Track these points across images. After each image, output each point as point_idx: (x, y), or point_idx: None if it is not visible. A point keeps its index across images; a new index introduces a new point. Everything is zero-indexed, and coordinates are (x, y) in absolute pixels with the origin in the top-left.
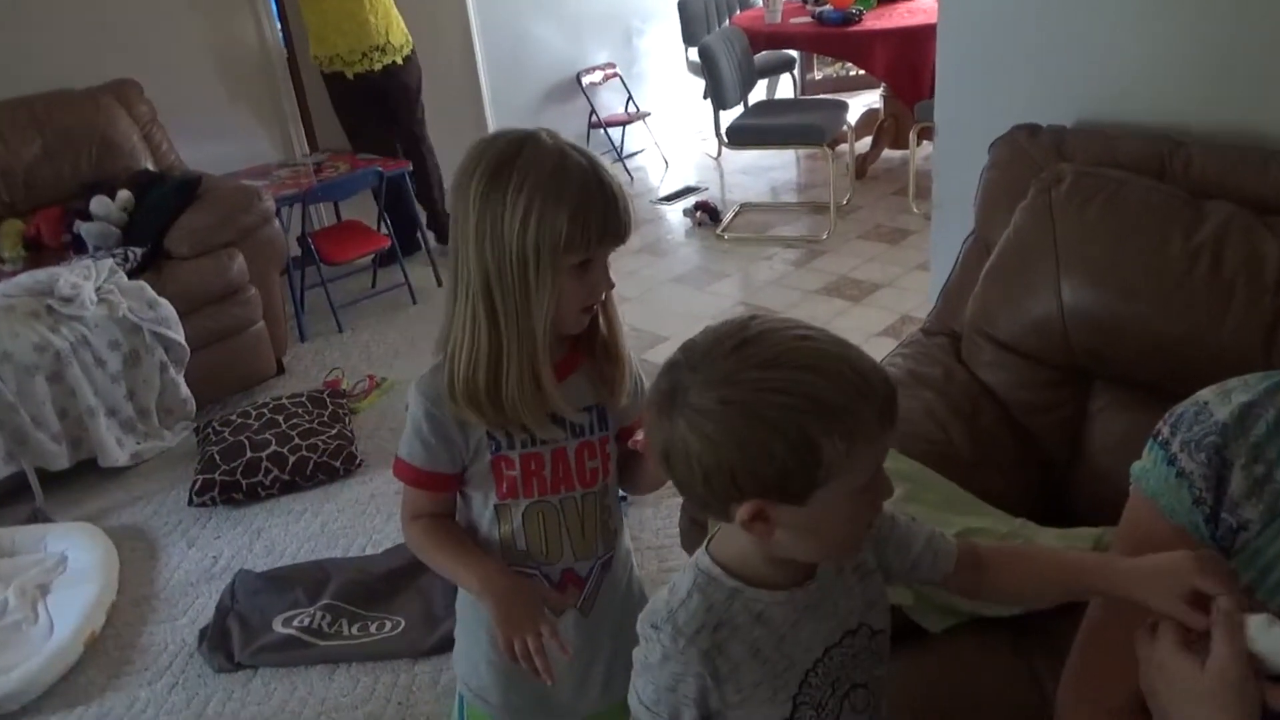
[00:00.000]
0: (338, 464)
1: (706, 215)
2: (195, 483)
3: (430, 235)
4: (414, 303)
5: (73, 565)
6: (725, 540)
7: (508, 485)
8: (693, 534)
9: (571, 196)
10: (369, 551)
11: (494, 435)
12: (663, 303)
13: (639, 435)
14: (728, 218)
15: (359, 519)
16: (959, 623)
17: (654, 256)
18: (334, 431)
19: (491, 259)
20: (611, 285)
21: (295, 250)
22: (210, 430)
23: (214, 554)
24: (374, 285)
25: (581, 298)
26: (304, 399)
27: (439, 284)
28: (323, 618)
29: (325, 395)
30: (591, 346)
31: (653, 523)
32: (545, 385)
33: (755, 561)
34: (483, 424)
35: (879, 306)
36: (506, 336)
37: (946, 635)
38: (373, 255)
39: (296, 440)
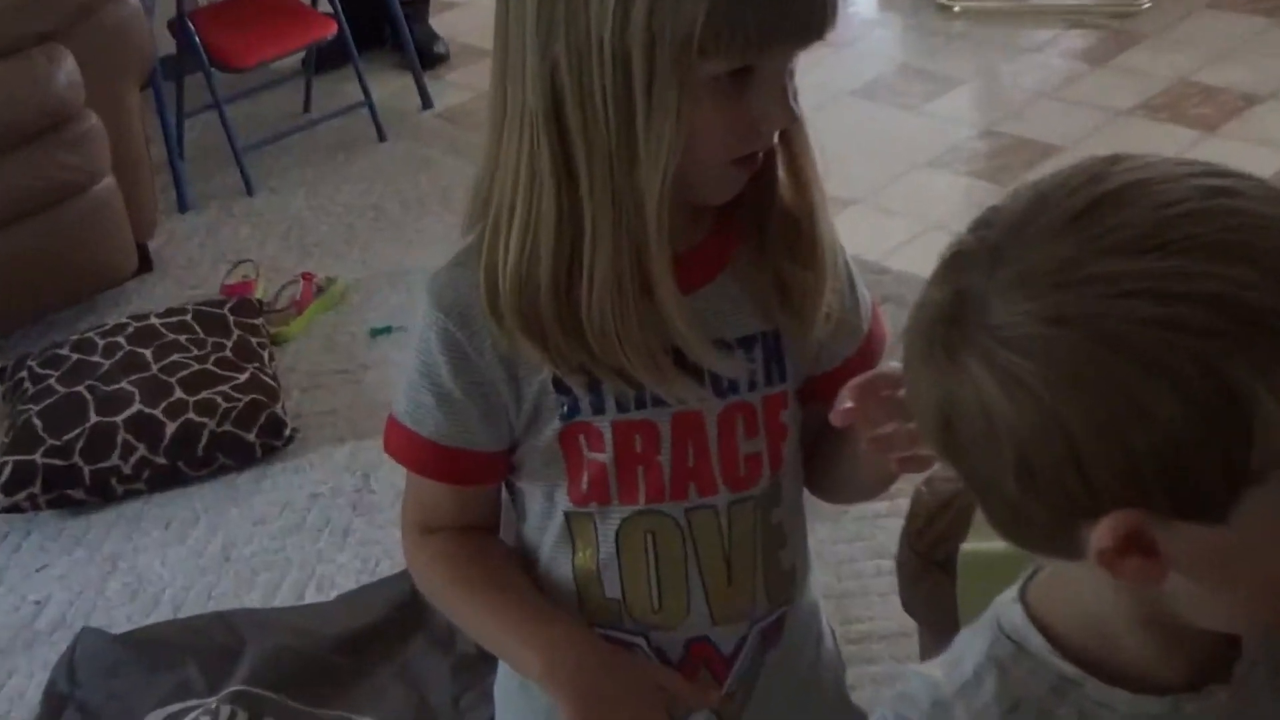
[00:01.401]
0: (250, 437)
1: None
2: None
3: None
4: (381, 139)
5: None
6: (1056, 587)
7: (591, 479)
8: (919, 578)
9: None
10: (314, 597)
11: (566, 384)
12: (844, 132)
13: (845, 401)
14: None
15: (293, 538)
16: None
17: (826, 47)
18: (243, 378)
19: (566, 62)
20: (793, 118)
21: (168, 47)
22: (23, 376)
23: (35, 597)
24: (308, 107)
25: (734, 138)
26: (188, 318)
27: (425, 106)
28: (231, 718)
29: (226, 311)
30: (757, 229)
31: (828, 548)
32: (662, 297)
33: (1115, 629)
34: (546, 362)
35: (1257, 139)
36: (590, 203)
37: None
38: (306, 53)
39: (179, 394)
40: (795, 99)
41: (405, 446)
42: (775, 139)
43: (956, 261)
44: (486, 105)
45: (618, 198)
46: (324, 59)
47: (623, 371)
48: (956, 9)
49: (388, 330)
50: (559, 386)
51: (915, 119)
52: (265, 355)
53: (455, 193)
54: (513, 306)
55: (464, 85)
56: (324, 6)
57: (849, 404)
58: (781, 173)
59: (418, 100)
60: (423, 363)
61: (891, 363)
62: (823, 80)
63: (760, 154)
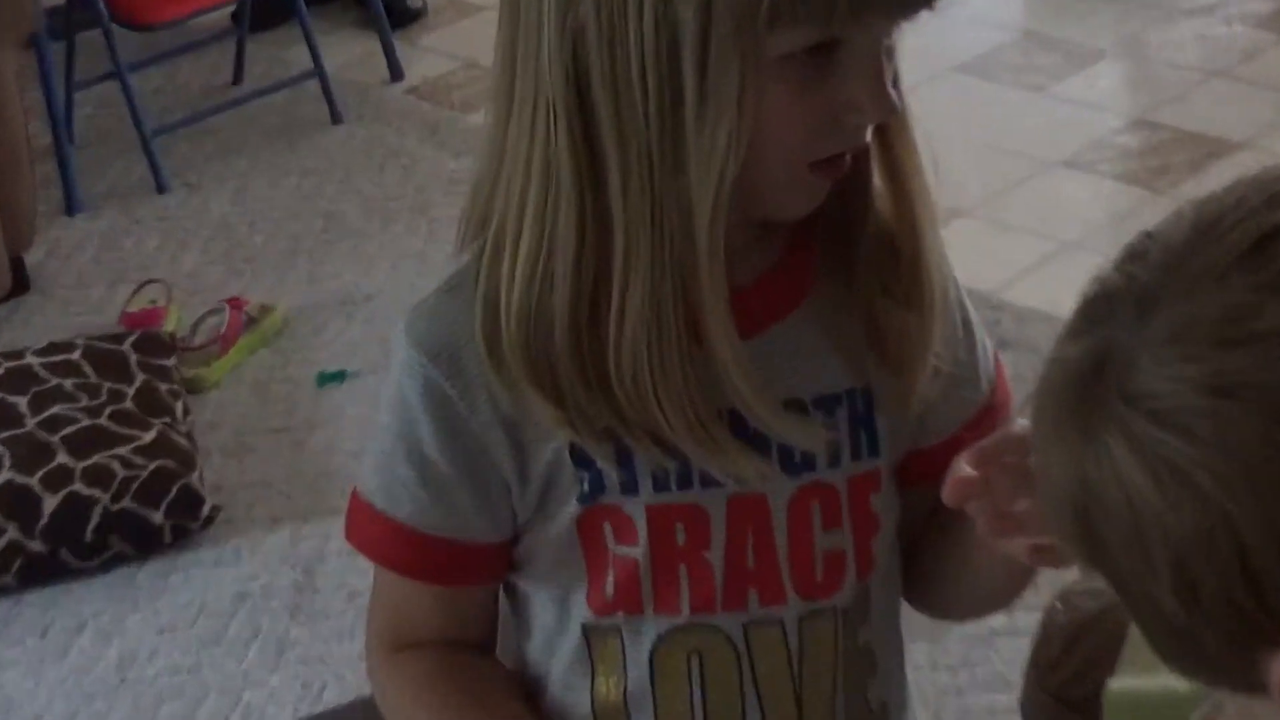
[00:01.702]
0: (157, 516)
1: None
2: None
3: None
4: (336, 121)
5: None
6: None
7: (618, 581)
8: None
9: None
10: None
11: (587, 455)
12: (947, 121)
13: (962, 469)
14: None
15: (211, 652)
16: None
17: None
18: (148, 438)
19: (595, 32)
20: (892, 108)
21: None
22: None
23: None
24: (239, 78)
25: (813, 135)
26: (76, 356)
27: (394, 78)
28: None
29: (127, 348)
30: (843, 254)
31: (925, 676)
32: (715, 342)
33: None
34: (561, 425)
35: None
36: (623, 217)
37: None
38: (237, 6)
39: (62, 458)
40: (896, 84)
41: (374, 534)
42: (868, 136)
43: (1098, 306)
44: (490, 86)
45: (658, 210)
46: (261, 15)
47: (662, 439)
48: None
49: (340, 376)
50: (578, 457)
51: (1043, 104)
52: (178, 407)
53: (433, 194)
54: (519, 350)
55: (446, 51)
56: None
57: (966, 473)
58: (877, 181)
59: (385, 70)
60: (398, 423)
61: (1023, 420)
62: (919, 51)
63: (848, 156)
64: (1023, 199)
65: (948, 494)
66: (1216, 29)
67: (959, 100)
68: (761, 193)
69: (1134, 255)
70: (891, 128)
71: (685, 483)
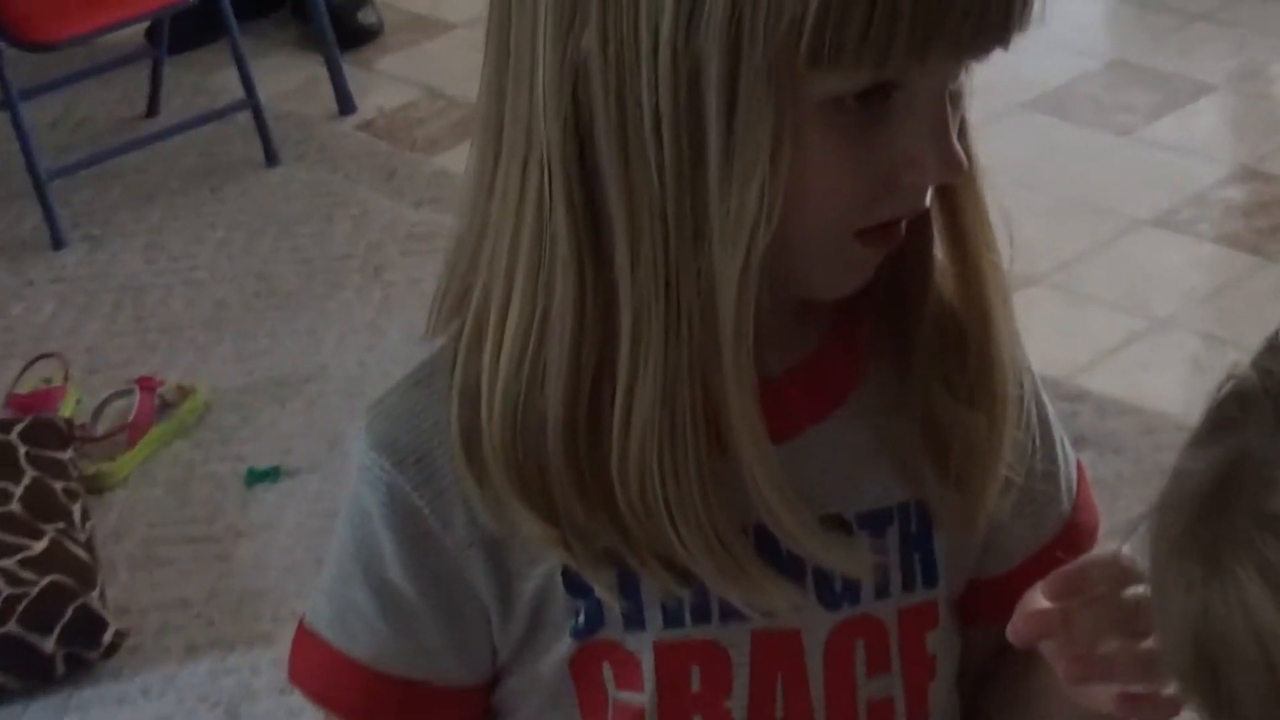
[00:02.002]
0: (48, 643)
1: None
2: None
3: None
4: (271, 162)
5: None
6: None
7: None
8: None
9: None
10: None
11: (584, 581)
12: (1016, 169)
13: (1037, 601)
14: None
15: None
16: None
17: None
18: (39, 547)
19: (600, 69)
20: (958, 167)
21: None
22: None
23: None
24: (154, 109)
25: (862, 197)
26: None
27: (343, 110)
28: None
29: (15, 438)
30: (898, 341)
31: None
32: (741, 446)
33: None
34: (553, 544)
35: None
36: (631, 293)
37: None
38: (152, 24)
39: None
40: (963, 135)
41: (322, 673)
42: (928, 199)
43: (1230, 409)
44: (473, 127)
45: (674, 287)
46: (182, 33)
47: (674, 562)
48: None
49: (274, 474)
50: (572, 583)
51: (1132, 149)
52: (76, 510)
53: (389, 252)
54: (504, 454)
55: (406, 78)
56: None
57: (1042, 605)
58: (940, 253)
59: (332, 101)
60: (355, 540)
61: (1111, 547)
62: (983, 83)
63: (903, 223)
64: (1105, 265)
65: (1018, 630)
66: None
67: (1031, 143)
68: (799, 267)
69: (1275, 349)
70: (957, 188)
71: (702, 616)
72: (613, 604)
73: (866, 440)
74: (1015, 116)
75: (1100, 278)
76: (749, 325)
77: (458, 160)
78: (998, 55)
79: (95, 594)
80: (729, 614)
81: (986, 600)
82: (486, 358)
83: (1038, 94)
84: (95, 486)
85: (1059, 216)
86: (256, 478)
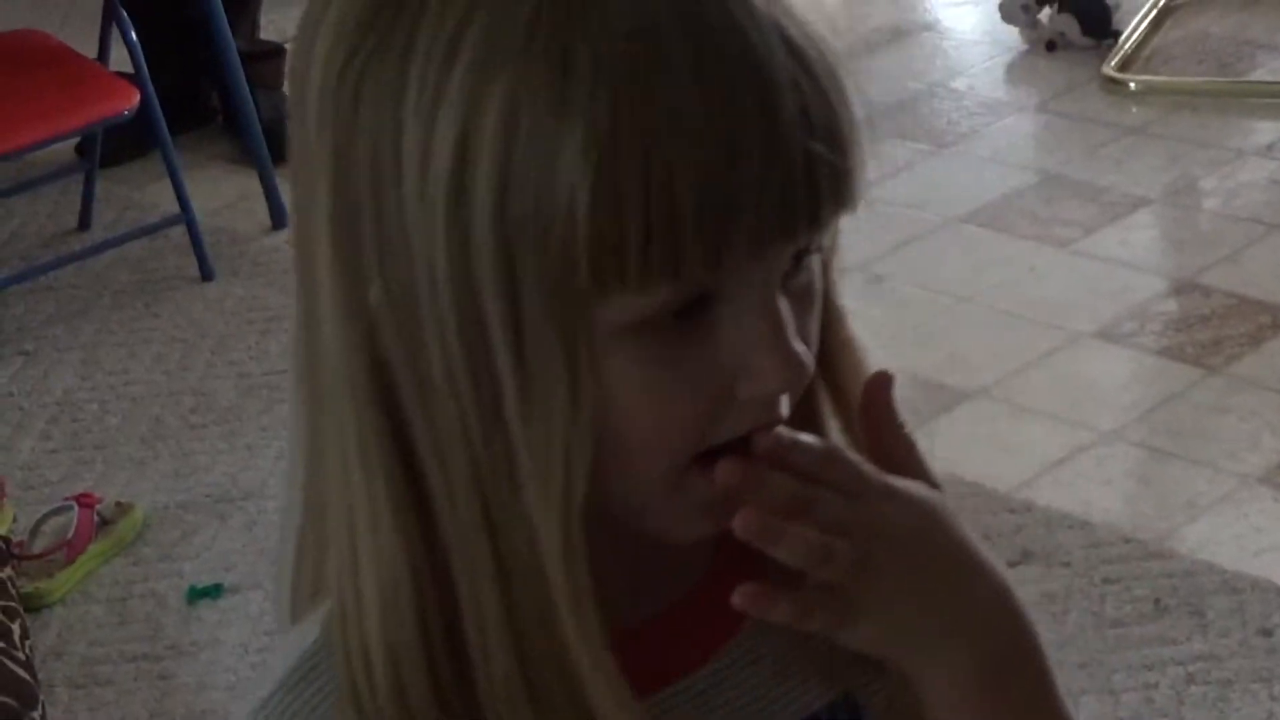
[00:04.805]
0: None
1: (1076, 24)
2: None
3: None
4: (206, 277)
5: None
6: None
7: None
8: None
9: (643, 98)
10: None
11: None
12: (952, 283)
13: None
14: (1133, 32)
15: None
16: None
17: (925, 142)
18: None
19: (391, 318)
20: (800, 373)
21: None
22: None
23: None
24: (86, 222)
25: (695, 419)
26: None
27: (276, 225)
28: None
29: None
30: None
31: None
32: (601, 706)
33: None
34: None
35: None
36: (461, 554)
37: None
38: (83, 138)
39: None
40: (810, 322)
41: None
42: (784, 408)
43: None
44: (290, 391)
45: (499, 539)
46: (115, 145)
47: None
48: (1134, 85)
49: (216, 591)
50: None
51: (1071, 262)
52: (16, 629)
53: None
54: None
55: None
56: (119, 61)
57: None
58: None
59: (266, 215)
60: None
61: None
62: (919, 198)
63: (759, 438)
64: (1048, 377)
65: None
66: (1272, 166)
67: (968, 257)
68: (638, 510)
69: None
70: (838, 363)
71: None
72: None
73: (778, 653)
74: (952, 230)
75: (1043, 390)
76: (582, 576)
77: None
78: (937, 168)
79: (36, 714)
80: None
81: None
82: (354, 643)
83: (973, 207)
84: (33, 604)
85: (999, 329)
86: (198, 595)
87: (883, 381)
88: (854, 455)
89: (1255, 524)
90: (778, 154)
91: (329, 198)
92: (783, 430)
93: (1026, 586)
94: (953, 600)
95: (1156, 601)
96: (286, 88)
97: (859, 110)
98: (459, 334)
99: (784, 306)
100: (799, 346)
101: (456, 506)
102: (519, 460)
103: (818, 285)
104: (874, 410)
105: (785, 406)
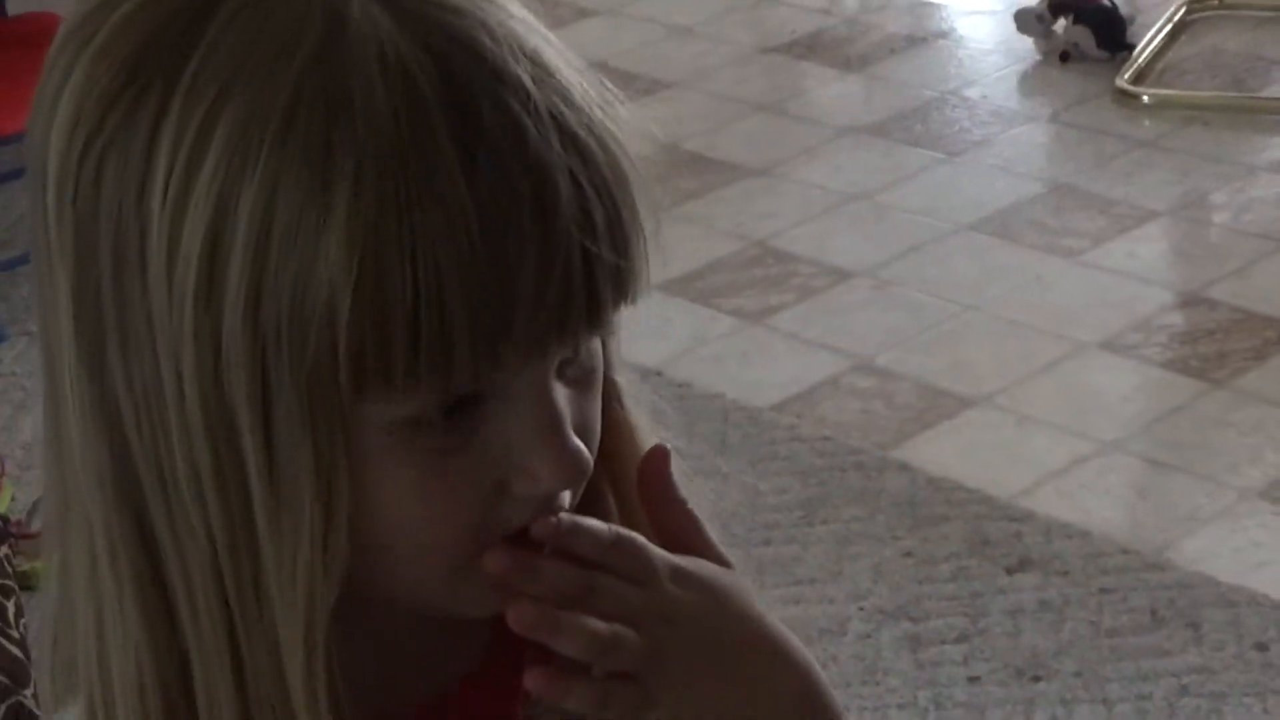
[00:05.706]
0: None
1: (1091, 36)
2: None
3: None
4: None
5: None
6: None
7: None
8: None
9: (406, 210)
10: None
11: None
12: (959, 291)
13: None
14: (1148, 45)
15: None
16: None
17: (937, 149)
18: None
19: (136, 430)
20: (580, 469)
21: None
22: None
23: None
24: None
25: (469, 520)
26: None
27: None
28: None
29: None
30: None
31: None
32: None
33: None
34: None
35: None
36: (200, 663)
37: None
38: None
39: None
40: (591, 404)
41: None
42: (565, 499)
43: None
44: (43, 500)
45: (239, 650)
46: None
47: None
48: (1146, 99)
49: None
50: None
51: (1078, 273)
52: (11, 607)
53: None
54: None
55: None
56: None
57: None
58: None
59: None
60: None
61: None
62: (929, 205)
63: (538, 526)
64: (1051, 387)
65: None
66: None
67: (975, 265)
68: (422, 596)
69: None
70: (619, 453)
71: None
72: None
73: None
74: (960, 237)
75: (1046, 399)
76: (322, 691)
77: None
78: (946, 177)
79: (29, 693)
80: None
81: None
82: None
83: (982, 216)
84: (28, 584)
85: (1004, 338)
86: None
87: (659, 456)
88: (640, 538)
89: (1254, 538)
90: (555, 253)
91: (69, 279)
92: (564, 515)
93: (1024, 594)
94: (751, 684)
95: (1153, 613)
96: (25, 153)
97: (643, 200)
98: (206, 436)
99: (561, 397)
100: (576, 444)
101: (198, 616)
102: (265, 573)
103: (599, 364)
104: (652, 487)
105: (566, 500)
